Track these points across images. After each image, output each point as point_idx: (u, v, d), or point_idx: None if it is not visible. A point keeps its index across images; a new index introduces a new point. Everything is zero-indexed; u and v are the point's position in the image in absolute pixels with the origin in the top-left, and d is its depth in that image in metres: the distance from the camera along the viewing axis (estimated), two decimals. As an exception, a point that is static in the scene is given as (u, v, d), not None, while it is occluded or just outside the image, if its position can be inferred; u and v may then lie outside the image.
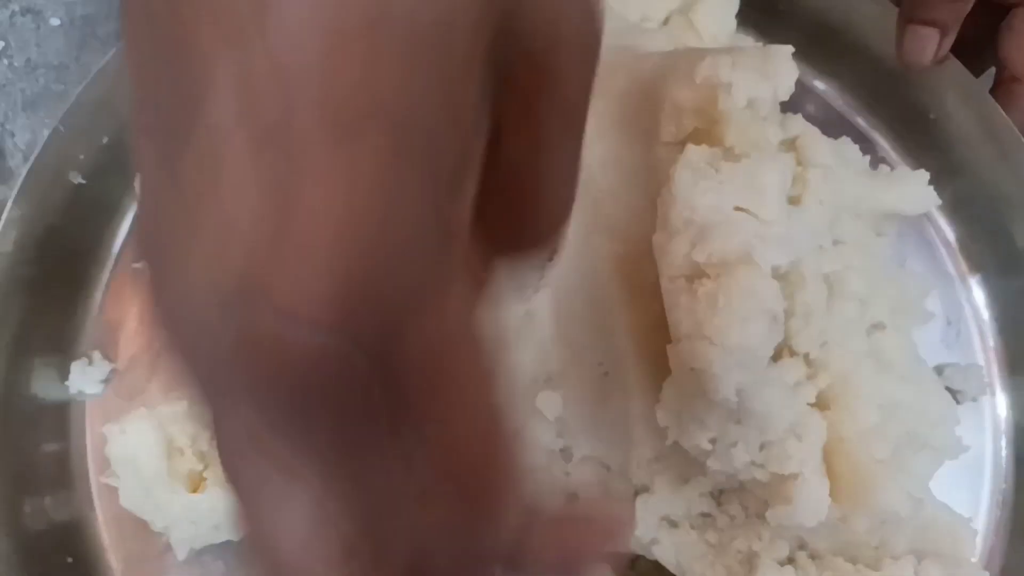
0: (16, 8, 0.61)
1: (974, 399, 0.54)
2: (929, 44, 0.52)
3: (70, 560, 0.49)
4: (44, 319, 0.52)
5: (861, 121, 0.58)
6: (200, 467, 0.47)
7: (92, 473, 0.51)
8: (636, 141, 0.49)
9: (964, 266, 0.57)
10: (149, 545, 0.49)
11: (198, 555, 0.49)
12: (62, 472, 0.51)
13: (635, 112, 0.50)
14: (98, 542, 0.50)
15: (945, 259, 0.57)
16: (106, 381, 0.52)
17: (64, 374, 0.52)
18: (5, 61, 0.61)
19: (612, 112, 0.50)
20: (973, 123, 0.55)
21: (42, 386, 0.52)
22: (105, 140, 0.52)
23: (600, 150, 0.50)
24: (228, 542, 0.48)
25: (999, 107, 0.54)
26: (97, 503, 0.51)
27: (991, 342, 0.55)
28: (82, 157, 0.52)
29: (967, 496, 0.52)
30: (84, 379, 0.52)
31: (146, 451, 0.46)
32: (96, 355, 0.53)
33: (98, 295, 0.54)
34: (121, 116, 0.52)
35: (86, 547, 0.50)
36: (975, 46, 0.55)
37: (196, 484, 0.47)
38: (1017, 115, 0.54)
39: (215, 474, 0.46)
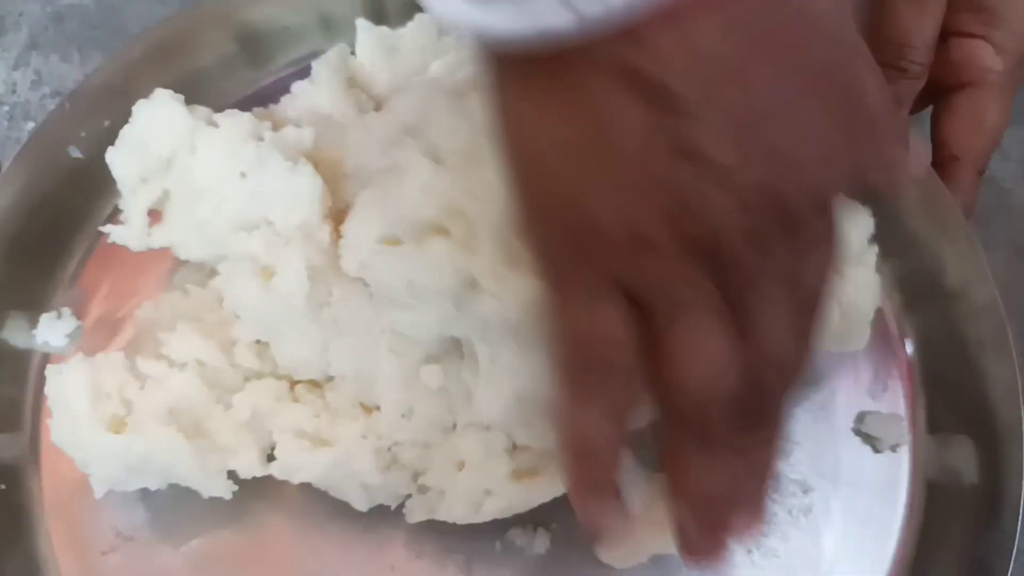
0: (47, 91, 0.68)
1: (893, 448, 0.55)
2: None
3: (3, 487, 0.52)
4: (24, 274, 0.56)
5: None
6: (123, 412, 0.49)
7: (43, 421, 0.54)
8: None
9: (898, 327, 0.59)
10: (82, 487, 0.50)
11: (125, 500, 0.51)
12: (14, 416, 0.54)
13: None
14: (36, 479, 0.53)
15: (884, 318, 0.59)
16: (71, 337, 0.56)
17: (34, 325, 0.55)
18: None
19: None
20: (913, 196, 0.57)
21: (11, 334, 0.55)
22: (107, 123, 0.57)
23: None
24: (146, 490, 0.50)
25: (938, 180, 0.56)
26: (42, 447, 0.53)
27: (915, 400, 0.57)
28: (83, 135, 0.57)
29: (880, 531, 0.54)
30: (51, 331, 0.55)
31: (76, 391, 0.48)
32: (66, 311, 0.57)
33: (77, 262, 0.58)
34: (126, 103, 0.55)
35: (20, 480, 0.53)
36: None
37: (118, 427, 0.49)
38: (959, 194, 0.56)
39: (136, 421, 0.49)
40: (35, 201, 0.57)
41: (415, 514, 0.50)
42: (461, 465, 0.49)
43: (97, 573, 0.51)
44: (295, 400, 0.50)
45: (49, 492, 0.53)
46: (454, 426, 0.50)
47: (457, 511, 0.48)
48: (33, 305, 0.57)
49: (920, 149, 0.42)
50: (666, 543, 0.49)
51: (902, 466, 0.55)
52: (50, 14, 0.70)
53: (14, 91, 0.67)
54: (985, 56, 0.54)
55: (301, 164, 0.50)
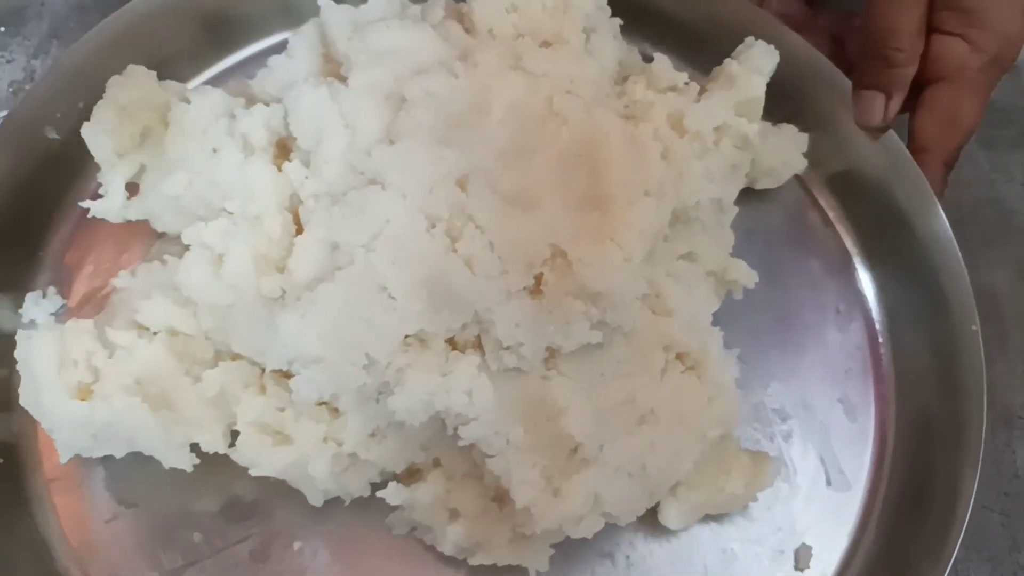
0: None
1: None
2: (876, 106, 0.55)
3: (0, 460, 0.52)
4: (7, 256, 0.55)
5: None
6: (90, 380, 0.48)
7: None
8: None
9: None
10: (81, 459, 0.51)
11: (124, 468, 0.51)
12: (6, 395, 0.52)
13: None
14: (34, 454, 0.53)
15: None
16: (56, 315, 0.55)
17: (19, 305, 0.54)
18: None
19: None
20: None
21: (-3, 317, 0.53)
22: (81, 105, 0.55)
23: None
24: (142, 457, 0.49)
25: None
26: (40, 424, 0.52)
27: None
28: (58, 116, 0.56)
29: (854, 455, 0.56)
30: (37, 310, 0.54)
31: (43, 357, 0.48)
32: (51, 290, 0.55)
33: (59, 241, 0.57)
34: (99, 83, 0.54)
35: (19, 456, 0.53)
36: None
37: (84, 395, 0.48)
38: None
39: (103, 389, 0.48)
40: (14, 183, 0.55)
41: (394, 498, 0.49)
42: (453, 512, 0.48)
43: (103, 540, 0.51)
44: (263, 389, 0.49)
45: (49, 466, 0.52)
46: (435, 462, 0.49)
47: (446, 549, 0.49)
48: (17, 286, 0.55)
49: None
50: (718, 504, 0.51)
51: (869, 393, 0.57)
52: (73, 5, 0.69)
53: (32, 78, 0.66)
54: (961, 53, 0.54)
55: (256, 155, 0.48)
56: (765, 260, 0.58)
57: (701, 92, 0.55)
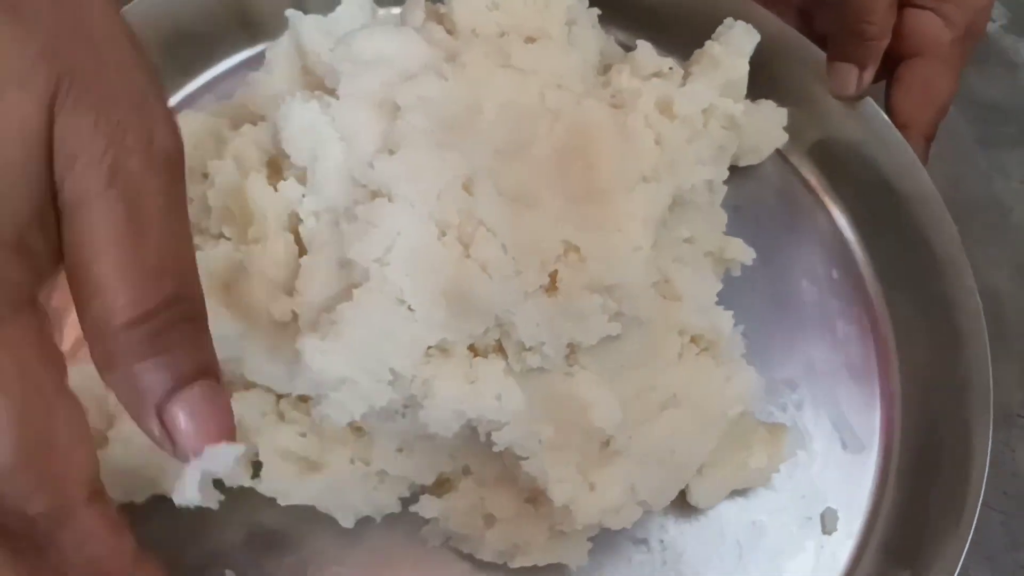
0: None
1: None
2: (851, 77, 0.56)
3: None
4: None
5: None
6: (104, 427, 0.46)
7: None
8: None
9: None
10: None
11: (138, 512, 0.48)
12: None
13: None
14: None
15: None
16: None
17: None
18: None
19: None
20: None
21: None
22: None
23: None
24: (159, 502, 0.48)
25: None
26: None
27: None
28: None
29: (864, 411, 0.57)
30: None
31: None
32: (44, 336, 0.54)
33: (47, 287, 0.56)
34: None
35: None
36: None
37: (100, 443, 0.46)
38: None
39: (119, 434, 0.46)
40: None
41: (428, 511, 0.48)
42: (489, 518, 0.47)
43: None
44: (281, 416, 0.48)
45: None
46: (465, 469, 0.48)
47: (486, 555, 0.48)
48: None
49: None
50: (744, 479, 0.51)
51: (871, 353, 0.57)
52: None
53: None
54: (934, 27, 0.55)
55: (251, 177, 0.47)
56: (755, 235, 0.58)
57: (684, 76, 0.55)
